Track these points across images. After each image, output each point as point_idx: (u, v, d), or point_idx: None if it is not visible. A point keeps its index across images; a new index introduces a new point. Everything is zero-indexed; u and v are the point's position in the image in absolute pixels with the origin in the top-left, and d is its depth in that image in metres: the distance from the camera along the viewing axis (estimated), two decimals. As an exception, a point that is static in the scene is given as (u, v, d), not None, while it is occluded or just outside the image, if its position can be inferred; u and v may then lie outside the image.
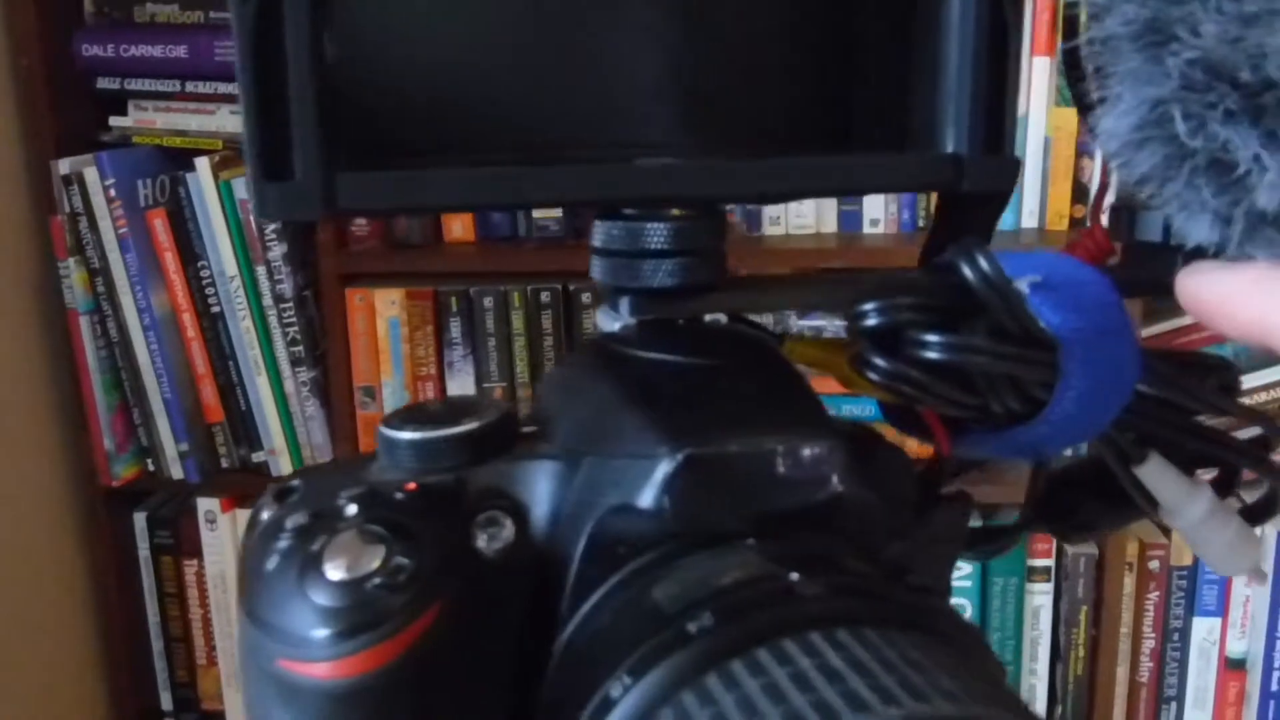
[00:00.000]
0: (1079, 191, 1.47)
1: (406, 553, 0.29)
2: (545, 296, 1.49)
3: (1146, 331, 1.38)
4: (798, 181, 0.35)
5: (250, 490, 1.58)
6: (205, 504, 1.63)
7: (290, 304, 1.53)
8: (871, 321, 0.32)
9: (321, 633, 0.28)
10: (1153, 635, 1.53)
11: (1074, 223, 1.47)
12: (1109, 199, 0.37)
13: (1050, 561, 1.51)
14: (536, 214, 1.54)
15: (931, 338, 0.32)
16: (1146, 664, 1.54)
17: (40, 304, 1.54)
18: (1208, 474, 0.40)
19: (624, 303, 0.34)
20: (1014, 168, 0.36)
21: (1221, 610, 1.51)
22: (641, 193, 0.33)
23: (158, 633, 1.69)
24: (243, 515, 1.61)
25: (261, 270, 1.51)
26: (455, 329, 1.52)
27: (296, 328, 1.54)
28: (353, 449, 1.52)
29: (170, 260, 1.51)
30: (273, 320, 1.53)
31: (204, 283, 1.53)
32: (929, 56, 0.35)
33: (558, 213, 1.50)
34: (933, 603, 0.28)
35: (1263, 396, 1.42)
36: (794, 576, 0.27)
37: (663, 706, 0.24)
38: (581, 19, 0.35)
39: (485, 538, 0.31)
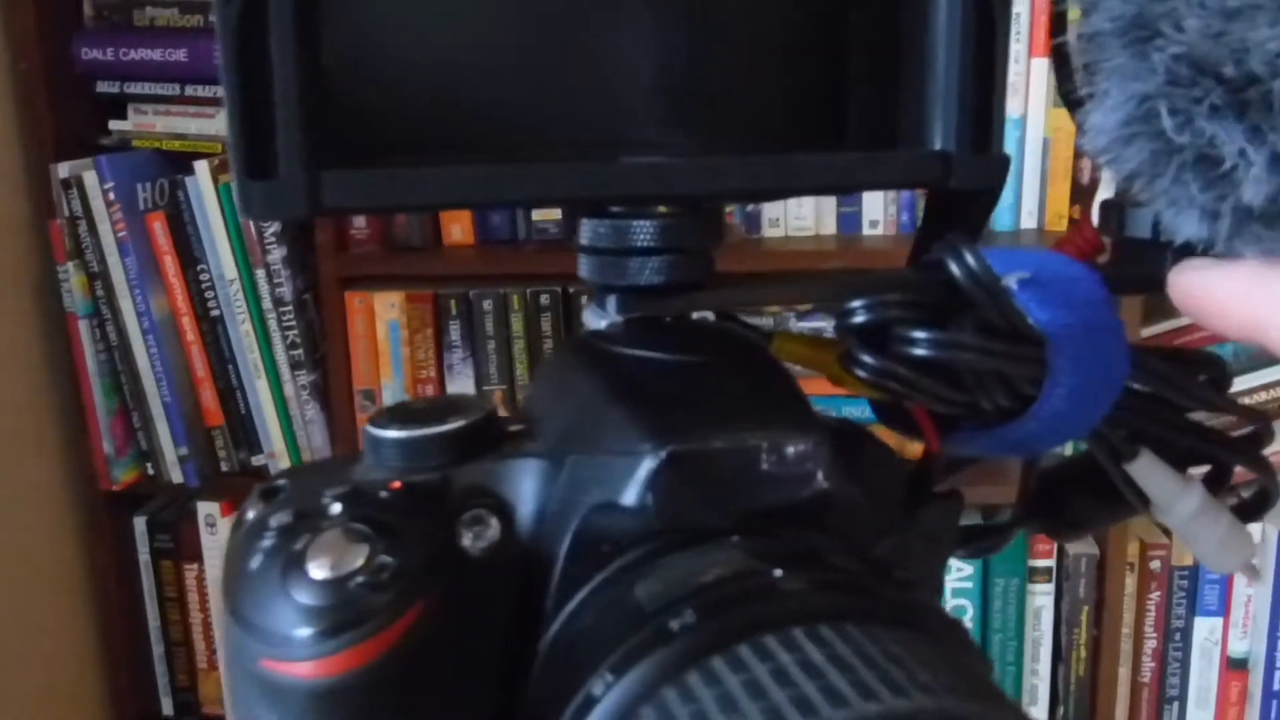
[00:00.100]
0: (1078, 192, 1.47)
1: (390, 551, 0.29)
2: (545, 299, 1.49)
3: (1146, 331, 1.38)
4: (784, 179, 0.35)
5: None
6: (205, 508, 1.63)
7: (290, 307, 1.53)
8: (859, 319, 0.32)
9: (304, 632, 0.28)
10: (1154, 635, 1.52)
11: (1073, 223, 1.46)
12: (1101, 196, 0.37)
13: (1051, 562, 1.51)
14: (536, 216, 1.54)
15: (919, 334, 0.32)
16: (1148, 664, 1.53)
17: (39, 308, 1.54)
18: (1200, 471, 0.40)
19: (611, 300, 0.34)
20: (1002, 165, 0.36)
21: (1223, 610, 1.50)
22: (629, 190, 0.33)
23: (158, 637, 1.69)
24: (243, 519, 1.60)
25: (261, 273, 1.52)
26: (455, 332, 1.52)
27: (296, 331, 1.54)
28: (353, 452, 1.52)
29: (170, 264, 1.51)
30: (272, 323, 1.54)
31: (203, 286, 1.53)
32: (917, 54, 0.35)
33: (557, 215, 1.50)
34: (917, 599, 0.28)
35: (1262, 396, 1.42)
36: (777, 573, 0.26)
37: (644, 704, 0.24)
38: (572, 17, 0.35)
39: (470, 536, 0.30)
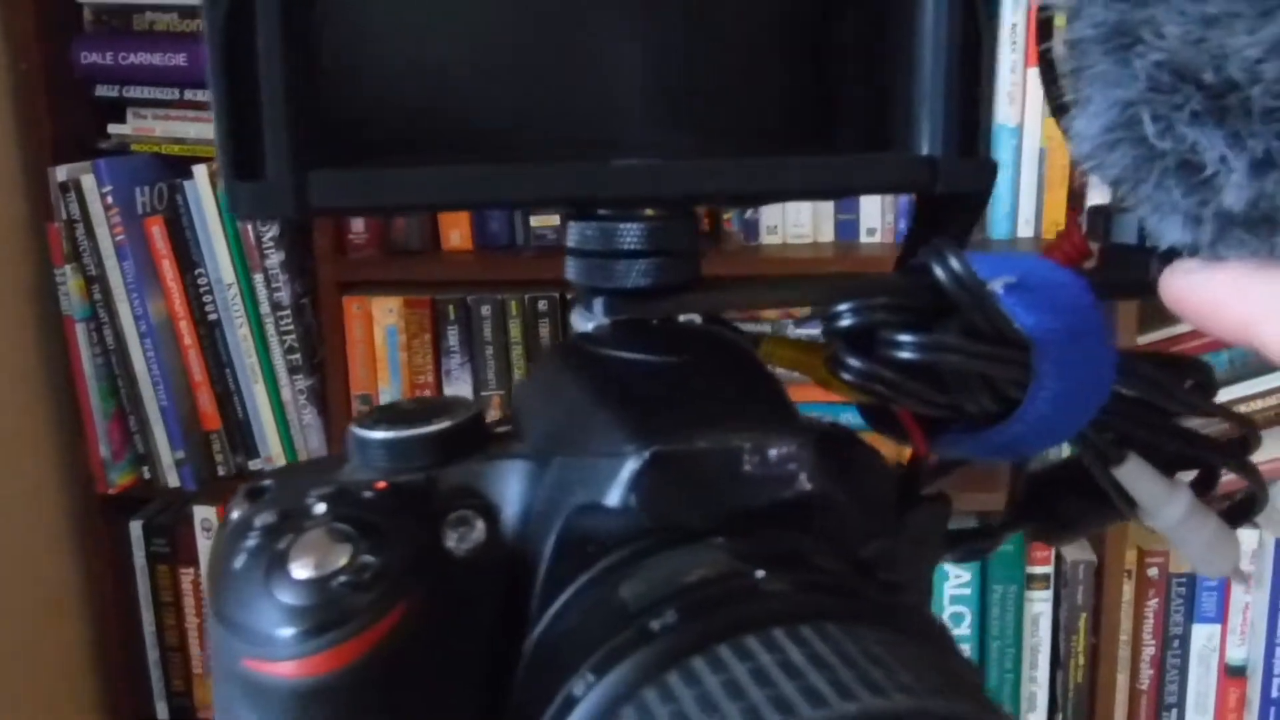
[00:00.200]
0: (1074, 200, 1.47)
1: (373, 551, 0.29)
2: (543, 305, 1.49)
3: (1142, 339, 1.38)
4: (772, 182, 0.35)
5: (247, 498, 1.57)
6: (202, 512, 1.63)
7: (288, 312, 1.53)
8: (845, 322, 0.32)
9: (287, 631, 0.28)
10: (1152, 642, 1.52)
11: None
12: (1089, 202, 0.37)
13: (1049, 569, 1.51)
14: (534, 222, 1.54)
15: (904, 337, 0.32)
16: (1147, 671, 1.53)
17: (36, 311, 1.54)
18: (1188, 475, 0.40)
19: (598, 303, 0.34)
20: (990, 170, 0.36)
21: (1221, 617, 1.50)
22: (616, 193, 0.33)
23: (154, 641, 1.69)
24: (240, 523, 1.60)
25: (259, 278, 1.52)
26: (453, 337, 1.52)
27: (294, 335, 1.54)
28: (342, 453, 1.52)
29: (168, 267, 1.52)
30: (270, 328, 1.54)
31: (201, 290, 1.53)
32: (905, 59, 0.35)
33: (555, 221, 1.50)
34: (901, 600, 0.28)
35: (1259, 404, 1.42)
36: (760, 574, 0.26)
37: (625, 704, 0.24)
38: (564, 18, 0.35)
39: (455, 537, 0.30)
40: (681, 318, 0.36)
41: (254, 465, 1.59)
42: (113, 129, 1.54)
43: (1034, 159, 1.46)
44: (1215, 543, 0.39)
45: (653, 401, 0.31)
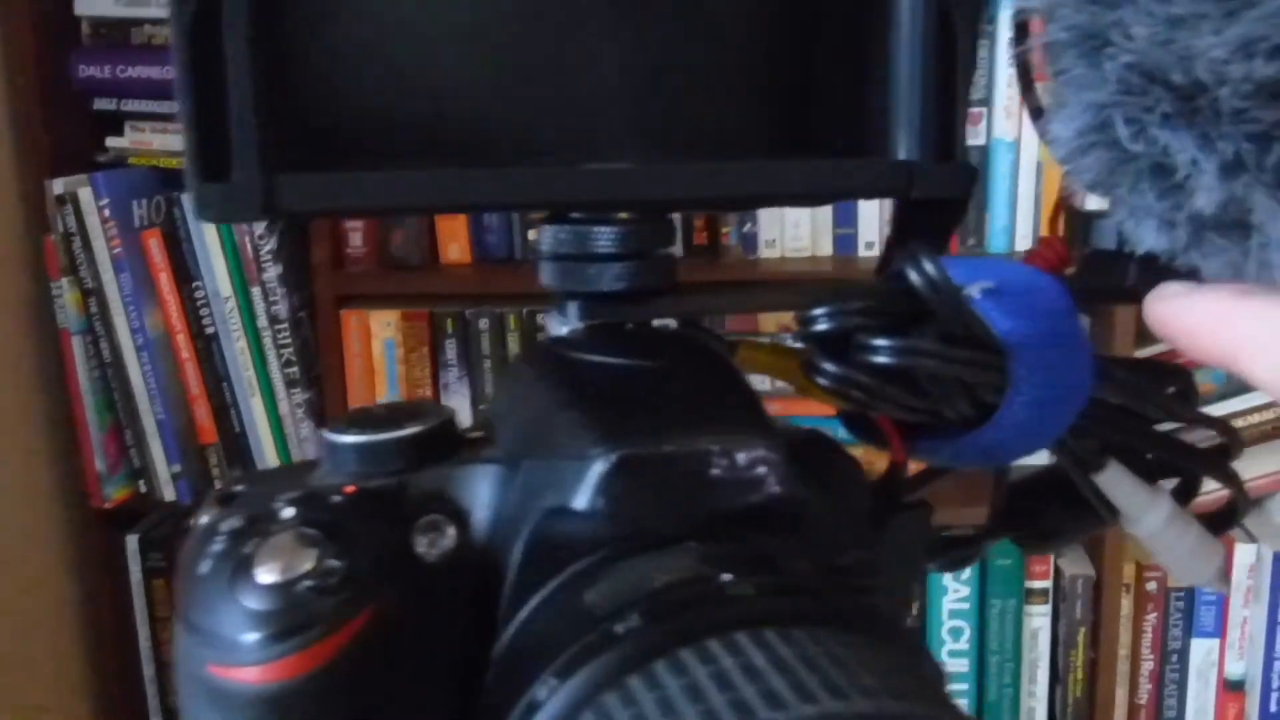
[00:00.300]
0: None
1: (340, 555, 0.28)
2: (541, 319, 1.49)
3: (1141, 354, 1.37)
4: (746, 187, 0.35)
5: (244, 511, 1.57)
6: (199, 526, 1.62)
7: (285, 325, 1.53)
8: (821, 327, 0.32)
9: (251, 636, 0.28)
10: (1151, 657, 1.52)
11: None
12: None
13: (1048, 583, 1.51)
14: (533, 235, 1.53)
15: (879, 341, 0.32)
16: (1145, 686, 1.53)
17: (33, 323, 1.54)
18: (1170, 483, 0.39)
19: (572, 307, 0.34)
20: (967, 175, 0.36)
21: (1219, 631, 1.50)
22: (589, 196, 0.33)
23: (149, 657, 1.68)
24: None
25: (256, 291, 1.51)
26: (451, 350, 1.52)
27: (291, 349, 1.54)
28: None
29: (165, 281, 1.51)
30: (267, 341, 1.53)
31: (198, 304, 1.52)
32: (880, 64, 0.35)
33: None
34: (869, 603, 0.27)
35: (1256, 418, 1.42)
36: (726, 577, 0.26)
37: (586, 708, 0.24)
38: (536, 23, 0.35)
39: (425, 542, 0.30)
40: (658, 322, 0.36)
41: (251, 479, 1.58)
42: (110, 142, 1.54)
43: (1031, 173, 1.46)
44: (1197, 550, 0.39)
45: (622, 405, 0.31)
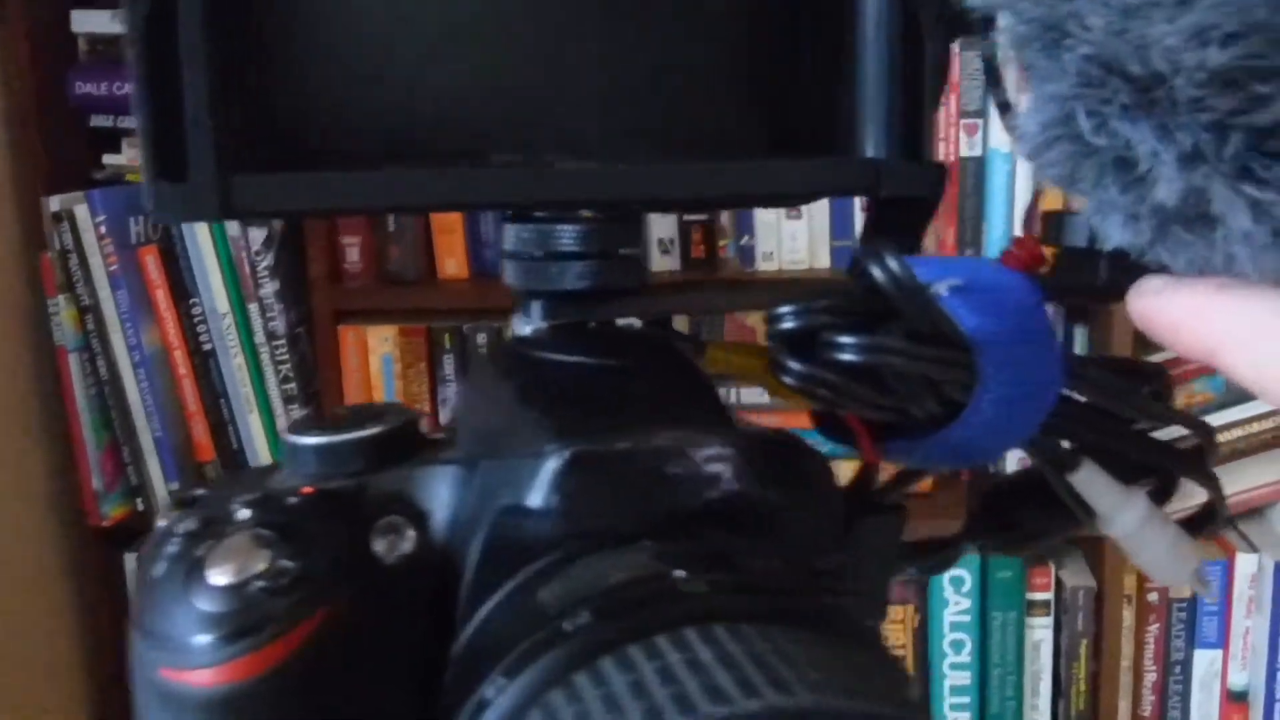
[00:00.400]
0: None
1: (294, 556, 0.28)
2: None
3: (1148, 358, 1.37)
4: (712, 186, 0.34)
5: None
6: (197, 542, 1.62)
7: (283, 341, 1.52)
8: (787, 325, 0.32)
9: (203, 639, 0.27)
10: (1154, 668, 1.51)
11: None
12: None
13: (1049, 595, 1.50)
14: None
15: (844, 339, 0.31)
16: (1149, 697, 1.52)
17: (29, 341, 1.53)
18: (1148, 483, 0.39)
19: (535, 306, 0.33)
20: (936, 173, 0.35)
21: (1222, 642, 1.49)
22: (551, 196, 0.33)
23: (150, 673, 1.68)
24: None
25: (254, 307, 1.51)
26: (448, 365, 1.52)
27: (289, 365, 1.53)
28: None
29: (161, 297, 1.51)
30: (265, 358, 1.53)
31: (195, 320, 1.52)
32: (848, 63, 0.35)
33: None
34: (831, 603, 0.27)
35: (1256, 426, 1.41)
36: (679, 574, 0.26)
37: (532, 706, 0.23)
38: (502, 22, 0.35)
39: (384, 544, 0.30)
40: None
41: (249, 495, 1.58)
42: (107, 159, 1.54)
43: (1028, 183, 1.46)
44: (1174, 551, 0.38)
45: (582, 404, 0.31)
